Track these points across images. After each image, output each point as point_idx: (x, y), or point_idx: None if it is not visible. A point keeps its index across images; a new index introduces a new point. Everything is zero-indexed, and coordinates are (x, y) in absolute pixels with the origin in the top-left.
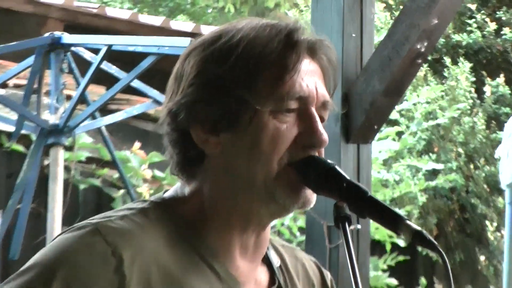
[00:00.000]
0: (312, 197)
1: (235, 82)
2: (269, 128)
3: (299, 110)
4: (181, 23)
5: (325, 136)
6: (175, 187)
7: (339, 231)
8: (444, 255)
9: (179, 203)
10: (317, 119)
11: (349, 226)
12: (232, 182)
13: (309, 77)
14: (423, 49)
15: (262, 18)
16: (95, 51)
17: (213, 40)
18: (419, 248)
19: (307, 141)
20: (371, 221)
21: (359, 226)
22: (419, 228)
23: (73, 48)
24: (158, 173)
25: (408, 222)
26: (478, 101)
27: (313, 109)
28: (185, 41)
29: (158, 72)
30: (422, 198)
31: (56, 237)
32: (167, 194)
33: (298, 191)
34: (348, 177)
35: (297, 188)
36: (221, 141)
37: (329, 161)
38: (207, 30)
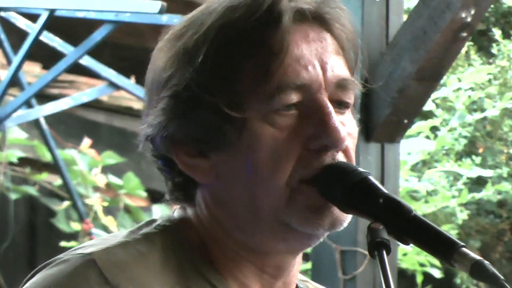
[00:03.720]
0: (342, 215)
1: (206, 87)
2: (265, 139)
3: (302, 104)
4: None
5: (341, 131)
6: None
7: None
8: None
9: (191, 225)
10: (330, 109)
11: (387, 254)
12: (233, 215)
13: (310, 55)
14: (469, 19)
15: None
16: (33, 17)
17: (181, 33)
18: (458, 280)
19: (318, 143)
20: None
21: None
22: (479, 257)
23: (2, 14)
24: (114, 179)
25: (465, 250)
26: None
27: (323, 97)
28: (154, 6)
29: (107, 45)
30: (462, 215)
31: (31, 275)
32: (177, 214)
33: (322, 211)
34: (385, 191)
35: (320, 208)
36: (213, 164)
37: (358, 168)
38: None
